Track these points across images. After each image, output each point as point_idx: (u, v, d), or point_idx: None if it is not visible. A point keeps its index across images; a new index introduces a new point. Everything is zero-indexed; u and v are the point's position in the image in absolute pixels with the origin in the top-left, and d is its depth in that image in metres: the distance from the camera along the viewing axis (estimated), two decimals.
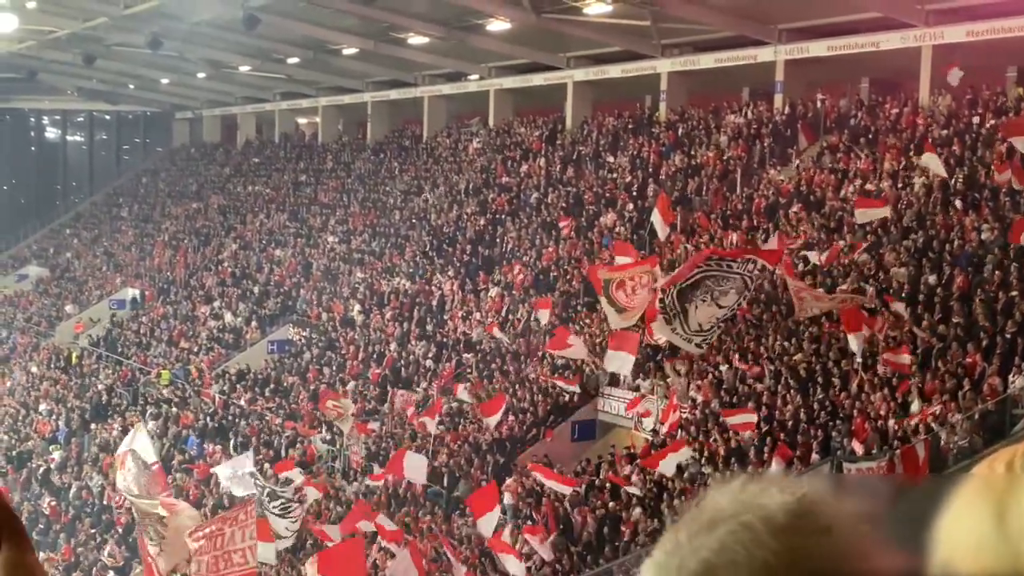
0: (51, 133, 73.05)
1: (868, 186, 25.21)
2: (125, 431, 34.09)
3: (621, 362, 21.73)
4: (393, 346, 31.76)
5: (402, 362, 30.69)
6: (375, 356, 31.81)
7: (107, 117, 70.82)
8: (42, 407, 38.73)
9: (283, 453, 28.87)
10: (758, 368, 21.66)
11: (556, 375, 25.55)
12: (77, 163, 71.43)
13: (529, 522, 21.00)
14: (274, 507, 21.42)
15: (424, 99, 46.47)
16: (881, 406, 18.68)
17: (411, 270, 35.67)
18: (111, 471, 31.84)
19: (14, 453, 35.89)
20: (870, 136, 27.62)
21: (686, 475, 19.89)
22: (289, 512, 21.73)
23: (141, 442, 20.66)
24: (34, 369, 43.22)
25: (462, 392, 24.81)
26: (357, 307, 35.10)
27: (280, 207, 47.92)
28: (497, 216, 35.63)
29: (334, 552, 18.35)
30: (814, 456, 18.70)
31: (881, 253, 22.53)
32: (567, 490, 20.82)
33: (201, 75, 53.50)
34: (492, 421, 23.73)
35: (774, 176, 28.61)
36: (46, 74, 56.51)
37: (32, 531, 28.00)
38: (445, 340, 30.63)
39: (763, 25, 31.77)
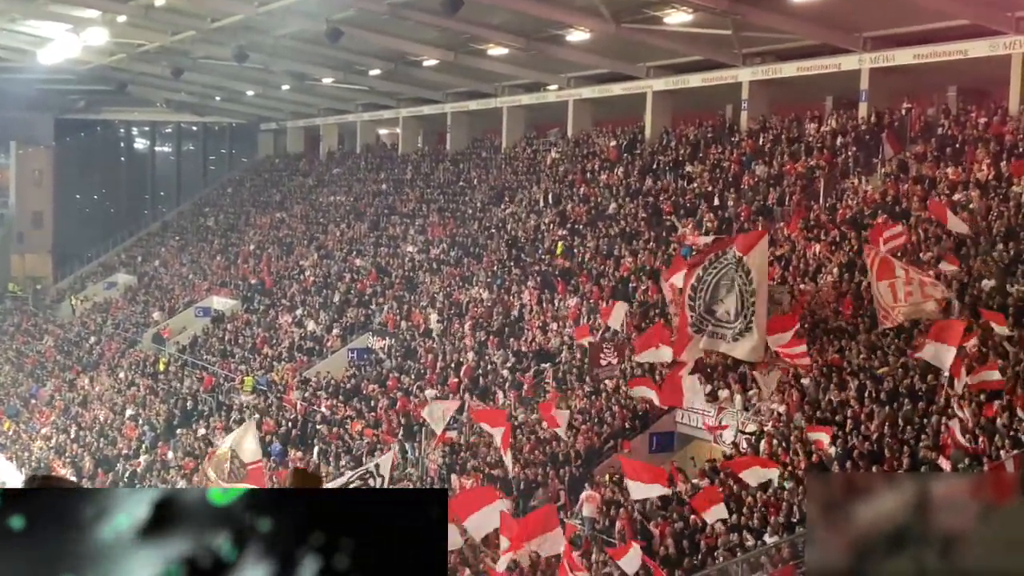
0: (140, 144, 74.95)
1: (956, 196, 24.65)
2: (208, 437, 34.92)
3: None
4: (471, 355, 31.86)
5: (480, 371, 30.76)
6: (453, 365, 31.95)
7: (194, 128, 72.47)
8: (129, 412, 39.63)
9: (362, 460, 29.10)
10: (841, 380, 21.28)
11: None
12: (165, 173, 73.17)
13: (606, 536, 20.87)
14: None
15: (503, 110, 46.67)
16: (969, 421, 18.21)
17: (489, 280, 35.77)
18: (198, 471, 32.56)
19: (100, 456, 36.78)
20: (957, 146, 27.01)
21: (769, 490, 19.58)
22: None
23: (249, 442, 21.02)
24: (122, 375, 44.25)
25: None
26: (435, 316, 35.30)
27: (361, 217, 48.46)
28: (575, 226, 35.57)
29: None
30: (899, 472, 18.26)
31: (970, 264, 22.01)
32: (656, 491, 20.07)
33: (285, 87, 54.45)
34: (557, 420, 23.65)
35: (859, 186, 28.11)
36: (136, 86, 58.00)
37: None
38: (523, 350, 30.62)
39: (847, 33, 31.31)
